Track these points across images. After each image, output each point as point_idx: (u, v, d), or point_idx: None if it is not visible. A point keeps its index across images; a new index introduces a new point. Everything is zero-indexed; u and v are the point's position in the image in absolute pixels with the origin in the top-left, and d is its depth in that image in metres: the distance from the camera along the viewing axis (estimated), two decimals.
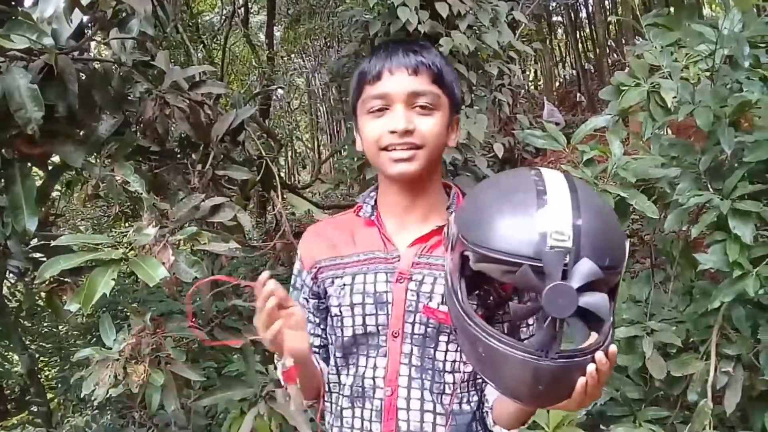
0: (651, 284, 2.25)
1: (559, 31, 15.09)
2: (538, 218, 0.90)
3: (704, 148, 1.97)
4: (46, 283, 2.05)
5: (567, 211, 0.91)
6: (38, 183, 2.14)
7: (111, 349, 2.03)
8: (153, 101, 2.19)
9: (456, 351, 1.19)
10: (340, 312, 1.23)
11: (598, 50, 12.42)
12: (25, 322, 4.47)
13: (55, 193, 3.65)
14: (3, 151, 2.05)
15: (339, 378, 1.27)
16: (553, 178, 0.98)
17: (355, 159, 4.01)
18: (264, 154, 2.87)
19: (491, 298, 1.17)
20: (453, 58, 3.45)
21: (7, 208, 1.99)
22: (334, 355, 1.27)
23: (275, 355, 1.18)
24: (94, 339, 4.30)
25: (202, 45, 7.73)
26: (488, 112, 3.95)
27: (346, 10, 4.49)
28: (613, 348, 0.94)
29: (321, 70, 12.13)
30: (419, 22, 3.22)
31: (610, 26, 12.73)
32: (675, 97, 1.93)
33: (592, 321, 0.91)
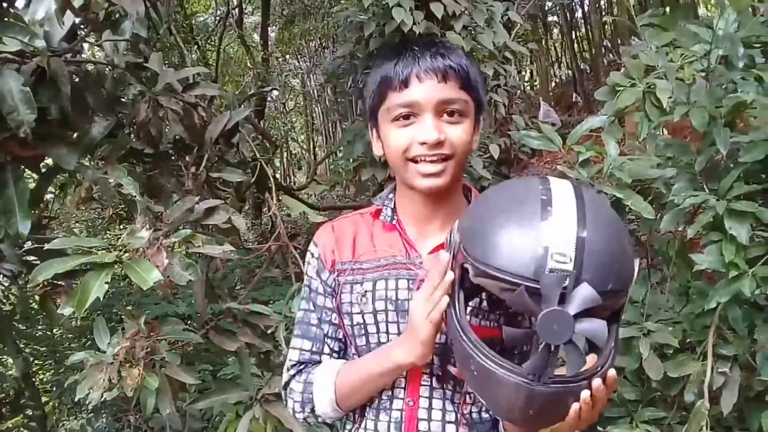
0: (647, 285, 2.25)
1: (555, 31, 15.11)
2: (541, 236, 0.87)
3: (700, 149, 1.96)
4: (40, 286, 2.05)
5: (572, 229, 0.88)
6: (31, 186, 2.13)
7: (105, 352, 2.01)
8: (146, 103, 2.18)
9: None
10: (363, 320, 1.21)
11: (593, 50, 12.45)
12: (19, 326, 4.45)
13: (48, 196, 3.63)
14: None
15: None
16: (561, 191, 0.94)
17: (351, 160, 4.00)
18: (259, 155, 2.87)
19: (492, 307, 1.15)
20: None
21: (0, 211, 1.98)
22: None
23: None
24: (89, 342, 4.28)
25: (196, 46, 7.72)
26: (484, 112, 3.95)
27: (341, 10, 4.48)
28: (611, 373, 0.91)
29: (316, 71, 12.11)
30: (414, 23, 3.21)
31: (606, 26, 12.75)
32: (670, 97, 1.93)
33: (593, 344, 0.89)
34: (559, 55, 15.70)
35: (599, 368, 0.90)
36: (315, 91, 13.92)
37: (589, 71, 12.76)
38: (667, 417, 2.13)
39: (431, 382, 1.17)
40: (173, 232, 1.93)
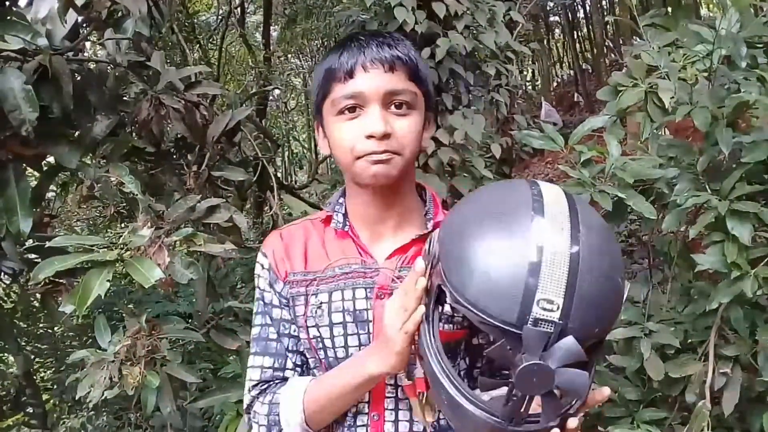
0: (649, 285, 2.25)
1: (557, 31, 15.12)
2: (528, 277, 0.78)
3: (702, 149, 1.96)
4: (41, 284, 2.05)
5: (563, 270, 0.79)
6: (33, 184, 2.14)
7: (106, 350, 2.01)
8: (148, 102, 2.18)
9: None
10: (319, 333, 1.14)
11: (595, 50, 12.45)
12: (21, 324, 4.45)
13: (49, 194, 3.64)
14: None
15: None
16: (553, 212, 0.83)
17: None
18: (260, 154, 2.87)
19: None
20: (450, 58, 3.44)
21: (2, 209, 1.98)
22: None
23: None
24: (90, 340, 4.28)
25: (198, 45, 7.71)
26: (485, 112, 3.94)
27: (343, 10, 4.48)
28: (580, 415, 0.86)
29: None
30: (416, 23, 3.21)
31: (608, 26, 12.75)
32: (673, 97, 1.93)
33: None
34: (561, 54, 15.69)
35: (570, 406, 0.86)
36: None
37: (590, 71, 12.77)
38: (668, 417, 2.13)
39: (396, 393, 1.12)
40: (175, 230, 1.93)
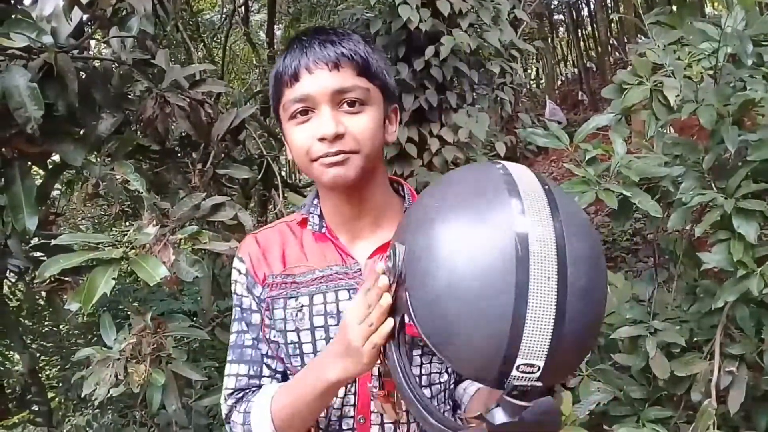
0: (654, 283, 2.24)
1: (561, 29, 15.10)
2: (508, 339, 0.73)
3: (707, 147, 1.96)
4: (47, 282, 2.06)
5: (548, 327, 0.73)
6: (38, 182, 2.14)
7: (112, 348, 2.02)
8: (153, 100, 2.19)
9: (430, 363, 1.12)
10: (299, 337, 1.11)
11: (600, 48, 12.42)
12: (26, 321, 4.47)
13: (55, 192, 3.65)
14: (3, 150, 2.05)
15: None
16: (539, 258, 0.74)
17: None
18: (265, 152, 2.87)
19: None
20: (455, 56, 3.44)
21: (7, 208, 1.99)
22: None
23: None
24: (95, 338, 4.30)
25: (202, 43, 7.73)
26: (490, 110, 3.94)
27: (347, 8, 4.48)
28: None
29: None
30: (420, 21, 3.21)
31: (612, 24, 12.73)
32: (678, 95, 1.92)
33: None
34: (565, 53, 15.67)
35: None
36: None
37: (595, 69, 12.75)
38: (673, 416, 2.12)
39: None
40: (180, 228, 1.93)
